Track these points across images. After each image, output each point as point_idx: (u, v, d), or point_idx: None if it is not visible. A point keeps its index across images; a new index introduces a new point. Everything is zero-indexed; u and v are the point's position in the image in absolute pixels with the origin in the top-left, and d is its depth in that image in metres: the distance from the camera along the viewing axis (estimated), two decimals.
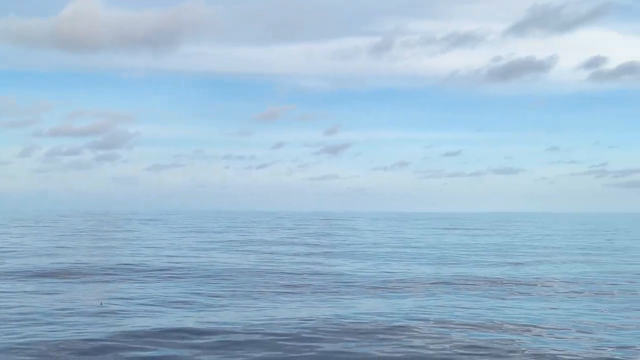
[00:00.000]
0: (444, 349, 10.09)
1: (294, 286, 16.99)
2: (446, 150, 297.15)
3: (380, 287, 17.03)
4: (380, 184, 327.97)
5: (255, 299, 14.79)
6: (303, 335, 10.84)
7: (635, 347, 10.36)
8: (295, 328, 11.31)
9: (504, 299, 15.15)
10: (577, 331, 11.55)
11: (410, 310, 13.36)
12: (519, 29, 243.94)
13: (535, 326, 11.93)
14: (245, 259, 24.52)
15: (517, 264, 24.05)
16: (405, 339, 10.65)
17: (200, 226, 59.65)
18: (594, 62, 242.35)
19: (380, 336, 10.87)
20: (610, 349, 10.22)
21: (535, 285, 17.87)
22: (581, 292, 16.48)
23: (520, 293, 16.29)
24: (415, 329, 11.46)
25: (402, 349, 10.00)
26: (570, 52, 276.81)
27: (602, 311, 13.69)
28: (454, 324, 12.06)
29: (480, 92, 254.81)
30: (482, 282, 18.16)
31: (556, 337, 11.00)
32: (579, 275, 20.06)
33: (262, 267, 21.43)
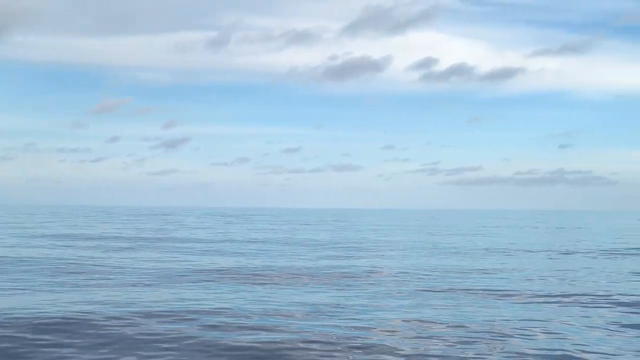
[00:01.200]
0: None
1: None
2: (286, 146, 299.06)
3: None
4: (221, 179, 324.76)
5: None
6: None
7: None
8: None
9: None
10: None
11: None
12: (354, 28, 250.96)
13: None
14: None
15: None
16: None
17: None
18: (425, 64, 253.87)
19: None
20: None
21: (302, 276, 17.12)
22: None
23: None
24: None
25: None
26: (403, 53, 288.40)
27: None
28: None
29: (318, 89, 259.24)
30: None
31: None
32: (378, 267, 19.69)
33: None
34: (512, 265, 20.73)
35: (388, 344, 9.29)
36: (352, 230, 47.77)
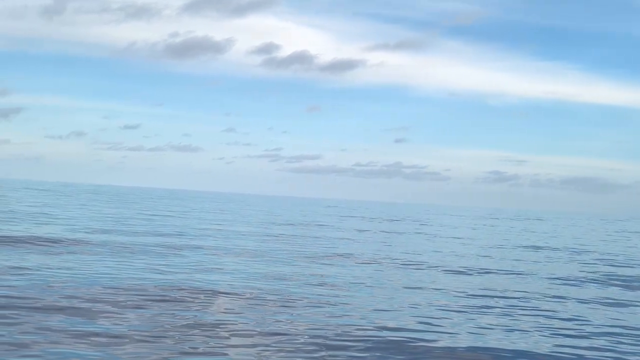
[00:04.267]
0: None
1: None
2: (125, 122, 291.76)
3: None
4: (55, 152, 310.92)
5: None
6: None
7: None
8: None
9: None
10: None
11: None
12: (196, 7, 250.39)
13: None
14: None
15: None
16: None
17: None
18: (267, 49, 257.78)
19: None
20: None
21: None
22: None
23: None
24: None
25: None
26: (245, 36, 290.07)
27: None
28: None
29: (159, 66, 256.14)
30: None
31: None
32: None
33: None
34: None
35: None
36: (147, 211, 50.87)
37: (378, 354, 9.16)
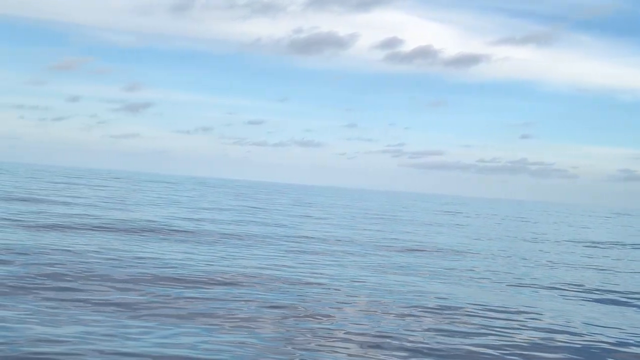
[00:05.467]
0: None
1: None
2: (249, 118, 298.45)
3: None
4: (182, 147, 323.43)
5: None
6: None
7: None
8: None
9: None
10: None
11: None
12: (320, 3, 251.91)
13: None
14: None
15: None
16: None
17: None
18: (391, 44, 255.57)
19: None
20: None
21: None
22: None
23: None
24: None
25: None
26: (369, 31, 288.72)
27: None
28: None
29: (282, 62, 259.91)
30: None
31: None
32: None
33: None
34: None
35: None
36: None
37: None
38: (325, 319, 9.94)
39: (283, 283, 12.82)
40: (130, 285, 11.33)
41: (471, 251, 22.65)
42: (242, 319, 9.52)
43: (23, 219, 20.73)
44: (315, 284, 13.04)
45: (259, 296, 11.28)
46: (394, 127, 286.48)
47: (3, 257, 12.98)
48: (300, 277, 13.65)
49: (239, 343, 8.26)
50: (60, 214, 23.78)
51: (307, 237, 23.31)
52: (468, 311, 11.18)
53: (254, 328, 9.04)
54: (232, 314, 9.82)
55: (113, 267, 13.13)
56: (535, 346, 9.20)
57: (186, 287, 11.62)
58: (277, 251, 18.32)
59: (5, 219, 20.52)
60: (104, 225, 21.27)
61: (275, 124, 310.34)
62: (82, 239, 17.34)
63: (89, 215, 24.38)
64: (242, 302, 10.65)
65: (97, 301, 9.92)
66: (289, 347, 8.21)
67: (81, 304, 9.68)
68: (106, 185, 60.80)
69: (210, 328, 8.89)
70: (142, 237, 19.10)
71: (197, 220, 26.66)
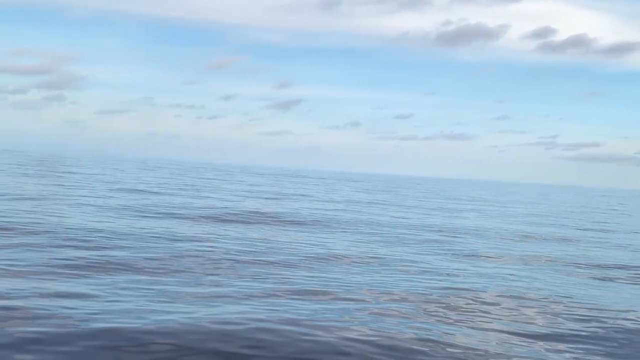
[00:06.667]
0: None
1: None
2: (397, 112, 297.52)
3: None
4: (332, 143, 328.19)
5: None
6: None
7: None
8: None
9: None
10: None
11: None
12: None
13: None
14: None
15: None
16: None
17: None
18: (542, 33, 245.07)
19: None
20: None
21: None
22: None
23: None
24: None
25: None
26: (519, 21, 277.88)
27: None
28: None
29: (430, 55, 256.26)
30: None
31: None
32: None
33: None
34: None
35: None
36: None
37: None
38: None
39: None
40: None
41: None
42: None
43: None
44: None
45: None
46: (547, 119, 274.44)
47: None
48: None
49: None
50: (219, 207, 23.73)
51: None
52: None
53: None
54: None
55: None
56: None
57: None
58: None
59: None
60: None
61: (424, 118, 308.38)
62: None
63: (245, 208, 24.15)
64: None
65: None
66: None
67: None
68: (277, 182, 61.83)
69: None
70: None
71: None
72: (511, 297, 10.52)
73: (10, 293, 8.12)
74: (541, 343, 7.80)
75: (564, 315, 9.32)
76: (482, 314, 9.12)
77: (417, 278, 11.68)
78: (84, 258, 11.13)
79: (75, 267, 10.36)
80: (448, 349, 7.16)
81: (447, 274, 12.37)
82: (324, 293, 9.66)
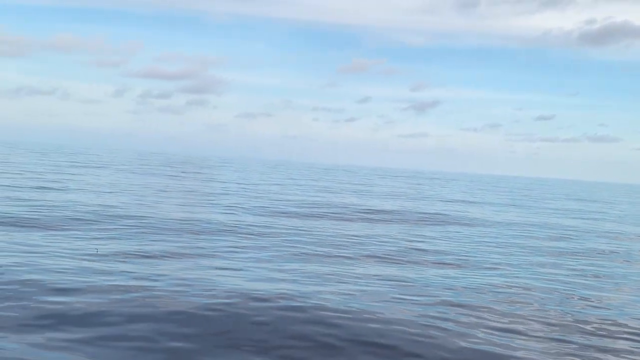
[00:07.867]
0: None
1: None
2: (538, 113, 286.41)
3: None
4: (469, 144, 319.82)
5: None
6: None
7: None
8: None
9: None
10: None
11: None
12: None
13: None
14: None
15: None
16: None
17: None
18: None
19: None
20: None
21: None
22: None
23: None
24: None
25: None
26: None
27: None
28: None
29: (573, 55, 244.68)
30: None
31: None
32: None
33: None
34: None
35: None
36: None
37: None
38: None
39: None
40: None
41: None
42: None
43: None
44: None
45: None
46: None
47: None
48: None
49: None
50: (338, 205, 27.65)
51: None
52: None
53: None
54: None
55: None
56: None
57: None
58: None
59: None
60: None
61: (566, 119, 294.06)
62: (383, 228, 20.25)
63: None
64: None
65: None
66: None
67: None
68: (420, 184, 63.87)
69: None
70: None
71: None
72: None
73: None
74: None
75: None
76: None
77: None
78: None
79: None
80: None
81: None
82: None
